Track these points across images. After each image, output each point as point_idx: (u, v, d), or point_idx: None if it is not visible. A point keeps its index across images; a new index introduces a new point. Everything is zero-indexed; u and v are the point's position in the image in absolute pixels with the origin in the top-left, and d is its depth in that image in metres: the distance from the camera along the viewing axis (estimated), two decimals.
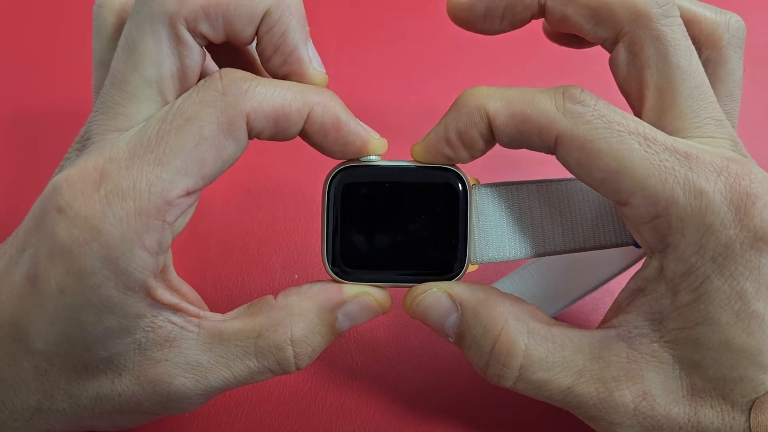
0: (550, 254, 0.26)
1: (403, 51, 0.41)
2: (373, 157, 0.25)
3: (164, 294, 0.23)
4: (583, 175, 0.23)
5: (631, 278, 0.24)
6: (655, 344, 0.23)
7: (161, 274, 0.24)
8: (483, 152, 0.25)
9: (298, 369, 0.25)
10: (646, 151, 0.22)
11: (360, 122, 0.25)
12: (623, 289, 0.25)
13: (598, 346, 0.24)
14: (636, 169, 0.22)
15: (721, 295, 0.22)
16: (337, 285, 0.25)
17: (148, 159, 0.22)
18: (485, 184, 0.26)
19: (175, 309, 0.23)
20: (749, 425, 0.23)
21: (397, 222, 0.25)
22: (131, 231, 0.21)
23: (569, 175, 0.24)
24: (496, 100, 0.23)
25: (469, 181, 0.25)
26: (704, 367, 0.23)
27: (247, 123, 0.22)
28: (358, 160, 0.25)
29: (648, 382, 0.23)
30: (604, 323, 0.25)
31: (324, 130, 0.24)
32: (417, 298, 0.25)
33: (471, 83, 0.40)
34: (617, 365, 0.23)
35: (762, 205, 0.21)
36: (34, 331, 0.23)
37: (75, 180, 0.22)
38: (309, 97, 0.24)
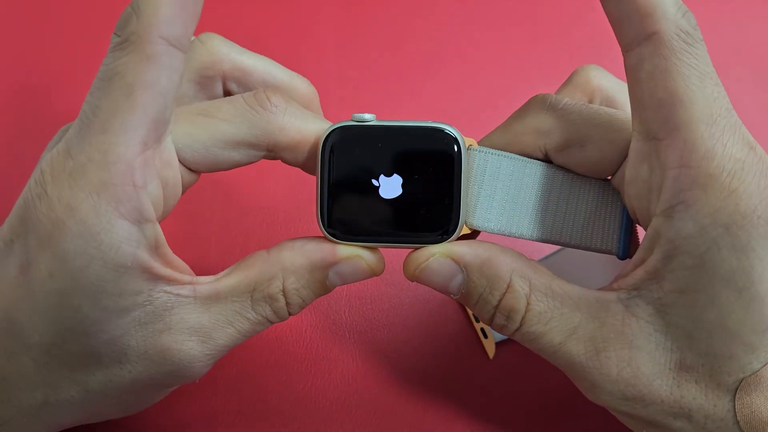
0: (533, 239, 0.26)
1: (403, 52, 0.41)
2: (367, 116, 0.25)
3: (159, 268, 0.23)
4: (645, 89, 0.22)
5: (638, 250, 0.24)
6: (650, 306, 0.23)
7: (156, 250, 0.23)
8: None
9: (290, 315, 0.25)
10: (715, 101, 0.22)
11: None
12: (628, 261, 0.25)
13: (596, 306, 0.24)
14: (698, 110, 0.22)
15: (727, 267, 0.22)
16: (331, 245, 0.25)
17: (92, 130, 0.22)
18: (482, 148, 0.26)
19: (168, 280, 0.23)
20: (733, 405, 0.23)
21: (390, 182, 0.24)
22: (103, 202, 0.21)
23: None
24: None
25: (465, 142, 0.25)
26: (696, 339, 0.23)
27: (167, 42, 0.22)
28: (352, 119, 0.25)
29: (635, 350, 0.23)
30: (606, 287, 0.25)
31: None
32: (421, 265, 0.25)
33: (469, 84, 0.40)
34: (610, 326, 0.23)
35: None
36: (27, 324, 0.23)
37: (46, 167, 0.22)
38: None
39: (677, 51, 0.22)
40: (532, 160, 0.26)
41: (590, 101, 0.28)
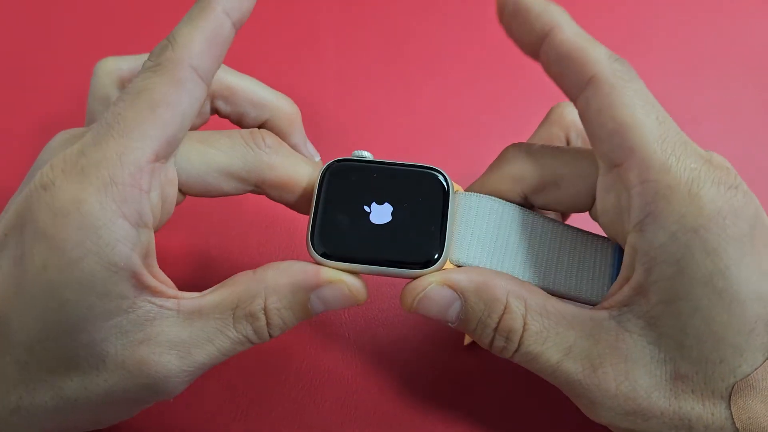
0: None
1: (403, 52, 0.42)
2: (365, 153, 0.27)
3: (147, 277, 0.23)
4: (597, 125, 0.24)
5: (621, 268, 0.25)
6: (640, 320, 0.24)
7: (145, 259, 0.24)
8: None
9: (271, 337, 0.26)
10: (662, 123, 0.23)
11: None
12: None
13: (589, 323, 0.24)
14: (647, 131, 0.23)
15: (703, 270, 0.22)
16: (315, 267, 0.25)
17: (111, 134, 0.23)
18: (467, 193, 0.27)
19: (153, 292, 0.24)
20: (730, 413, 0.23)
21: (381, 212, 0.26)
22: (109, 199, 0.22)
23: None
24: None
25: (453, 185, 0.26)
26: (687, 347, 0.23)
27: (195, 72, 0.24)
28: (352, 155, 0.27)
29: (631, 363, 0.24)
30: (597, 307, 0.25)
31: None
32: (419, 295, 0.25)
33: (469, 85, 0.40)
34: (605, 343, 0.24)
35: (743, 191, 0.23)
36: (15, 319, 0.23)
37: (57, 162, 0.23)
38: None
39: (617, 87, 0.24)
40: (514, 204, 0.27)
41: (566, 135, 0.30)
